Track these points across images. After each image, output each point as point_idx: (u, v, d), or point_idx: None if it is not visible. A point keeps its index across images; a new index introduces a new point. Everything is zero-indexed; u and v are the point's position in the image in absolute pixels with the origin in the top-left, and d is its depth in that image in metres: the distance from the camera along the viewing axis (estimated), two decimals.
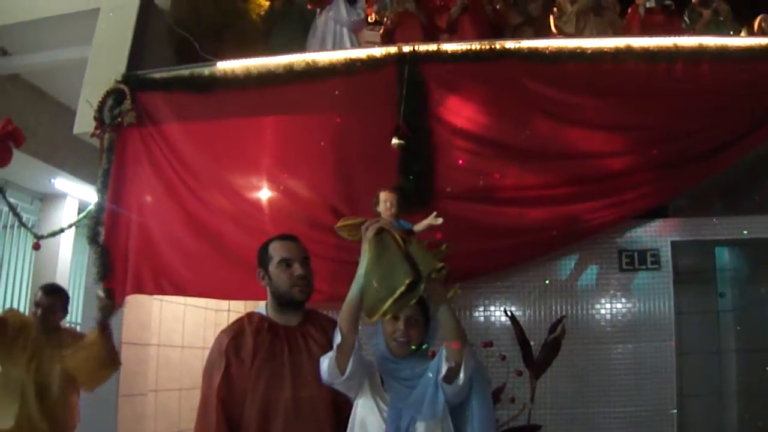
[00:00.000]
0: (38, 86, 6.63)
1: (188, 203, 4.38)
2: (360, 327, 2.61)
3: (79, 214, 6.54)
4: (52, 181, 7.03)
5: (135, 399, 4.55)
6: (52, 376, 3.85)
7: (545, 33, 5.61)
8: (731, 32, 5.57)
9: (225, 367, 2.78)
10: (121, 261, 4.37)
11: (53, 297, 4.06)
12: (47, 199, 7.50)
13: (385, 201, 2.63)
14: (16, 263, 7.27)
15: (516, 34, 5.48)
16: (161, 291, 4.39)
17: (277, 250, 2.93)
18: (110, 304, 3.69)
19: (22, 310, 6.67)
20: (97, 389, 3.95)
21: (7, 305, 7.07)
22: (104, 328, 3.71)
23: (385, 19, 5.77)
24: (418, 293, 2.49)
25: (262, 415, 2.73)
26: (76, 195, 7.43)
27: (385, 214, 2.62)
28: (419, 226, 2.62)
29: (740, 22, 5.78)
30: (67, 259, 7.34)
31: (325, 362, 2.61)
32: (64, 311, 4.11)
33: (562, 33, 5.50)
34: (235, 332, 2.88)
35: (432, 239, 2.84)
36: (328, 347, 2.66)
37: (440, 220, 2.63)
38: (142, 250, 4.36)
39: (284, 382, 2.79)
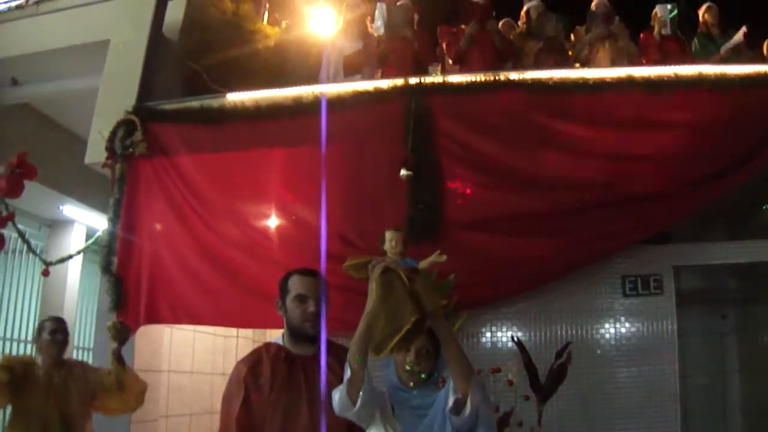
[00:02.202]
0: (48, 115, 6.69)
1: (201, 233, 4.44)
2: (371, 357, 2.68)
3: (86, 240, 6.64)
4: (61, 207, 7.06)
5: (147, 425, 4.60)
6: (72, 406, 3.92)
7: (566, 54, 5.68)
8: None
9: (244, 396, 2.85)
10: (134, 290, 4.43)
11: (64, 324, 4.14)
12: (55, 225, 7.53)
13: (390, 240, 2.70)
14: (24, 289, 7.30)
15: (537, 62, 5.51)
16: (177, 320, 4.46)
17: (294, 285, 2.99)
18: (125, 334, 3.90)
19: (29, 336, 6.78)
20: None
21: (16, 331, 7.13)
22: (119, 357, 3.89)
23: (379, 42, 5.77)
24: (423, 330, 2.59)
25: None
26: (83, 221, 7.46)
27: (390, 253, 2.68)
28: (424, 264, 2.69)
29: (751, 46, 5.77)
30: (75, 286, 7.36)
31: (337, 395, 2.68)
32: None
33: (578, 60, 5.57)
34: (254, 362, 2.95)
35: (440, 269, 2.92)
36: (343, 376, 2.72)
37: (444, 258, 2.70)
38: (157, 280, 4.41)
39: (301, 410, 2.85)
